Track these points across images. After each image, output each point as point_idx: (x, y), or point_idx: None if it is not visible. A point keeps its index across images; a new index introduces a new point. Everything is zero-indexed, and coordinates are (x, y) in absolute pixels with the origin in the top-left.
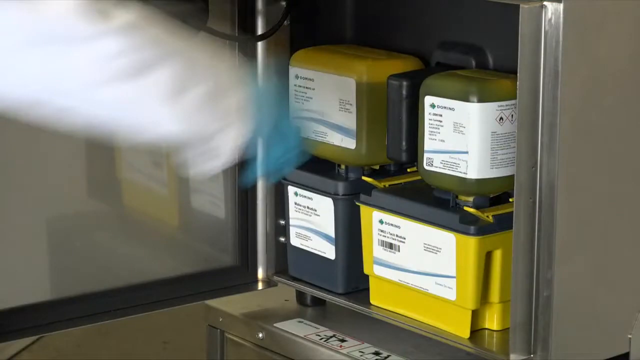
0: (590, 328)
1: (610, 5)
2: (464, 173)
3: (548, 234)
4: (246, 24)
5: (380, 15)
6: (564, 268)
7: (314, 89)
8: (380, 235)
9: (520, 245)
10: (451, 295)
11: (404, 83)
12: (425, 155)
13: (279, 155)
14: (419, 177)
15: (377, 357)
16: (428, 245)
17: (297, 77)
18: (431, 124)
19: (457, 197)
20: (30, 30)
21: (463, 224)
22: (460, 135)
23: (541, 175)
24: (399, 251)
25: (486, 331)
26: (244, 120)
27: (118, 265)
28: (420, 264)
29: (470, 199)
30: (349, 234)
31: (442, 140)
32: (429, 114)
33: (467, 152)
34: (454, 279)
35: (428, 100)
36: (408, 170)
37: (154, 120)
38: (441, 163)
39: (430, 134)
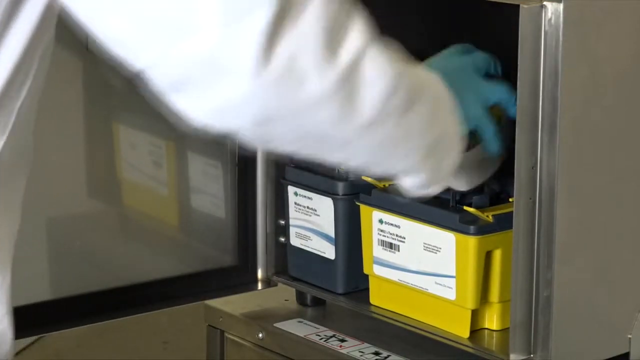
0: (590, 328)
1: (610, 5)
2: None
3: (548, 234)
4: None
5: (379, 16)
6: (564, 268)
7: None
8: (380, 235)
9: (520, 245)
10: (451, 295)
11: None
12: None
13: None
14: None
15: (377, 357)
16: (428, 245)
17: None
18: None
19: (457, 196)
20: None
21: (463, 223)
22: None
23: (541, 175)
24: (398, 251)
25: (486, 331)
26: None
27: (118, 265)
28: (420, 263)
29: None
30: (349, 234)
31: None
32: None
33: None
34: (454, 279)
35: None
36: None
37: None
38: None
39: None
